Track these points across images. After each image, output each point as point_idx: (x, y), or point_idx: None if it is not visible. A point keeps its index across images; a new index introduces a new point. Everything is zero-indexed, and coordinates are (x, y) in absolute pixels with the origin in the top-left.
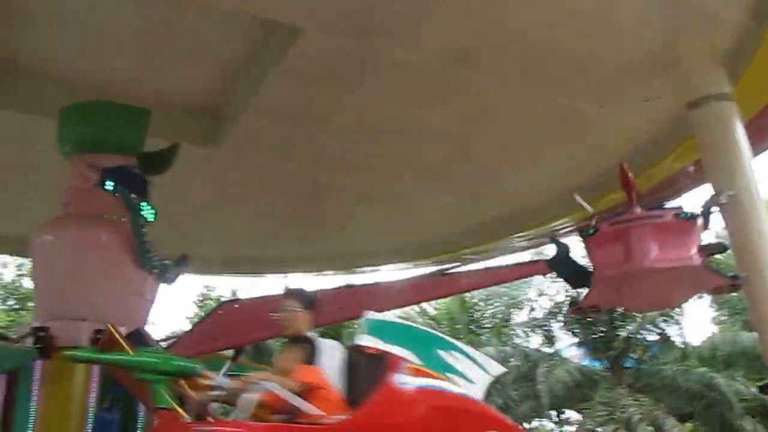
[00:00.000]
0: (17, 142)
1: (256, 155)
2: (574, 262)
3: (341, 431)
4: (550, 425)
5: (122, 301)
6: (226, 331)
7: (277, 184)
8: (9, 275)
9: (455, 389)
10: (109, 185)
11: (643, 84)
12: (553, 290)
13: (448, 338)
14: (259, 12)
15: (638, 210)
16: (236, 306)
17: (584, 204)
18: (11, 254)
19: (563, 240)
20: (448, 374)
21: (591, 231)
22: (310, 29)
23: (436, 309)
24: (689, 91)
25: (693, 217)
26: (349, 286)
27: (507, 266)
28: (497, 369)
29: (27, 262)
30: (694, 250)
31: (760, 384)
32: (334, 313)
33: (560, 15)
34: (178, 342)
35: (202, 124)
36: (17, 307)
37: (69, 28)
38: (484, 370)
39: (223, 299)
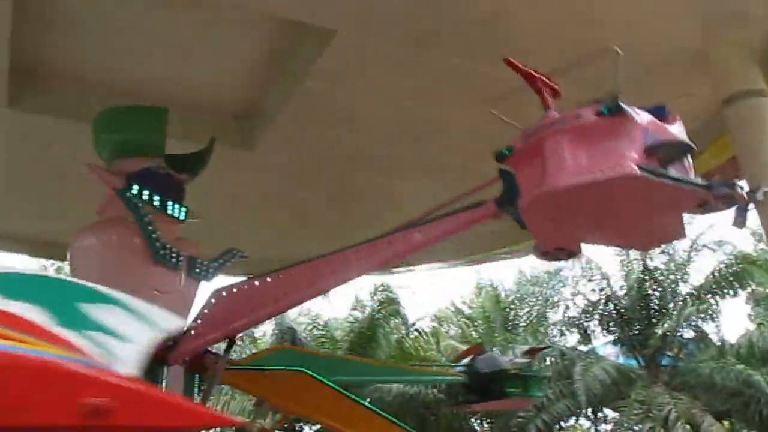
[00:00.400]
0: (55, 147)
1: (290, 156)
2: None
3: None
4: (587, 423)
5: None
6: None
7: (310, 184)
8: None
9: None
10: (134, 189)
11: (678, 81)
12: (588, 289)
13: (98, 288)
14: (292, 15)
15: (552, 114)
16: (225, 293)
17: (505, 119)
18: (53, 259)
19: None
20: (90, 332)
21: (505, 151)
22: (342, 31)
23: (471, 308)
24: (724, 88)
25: (619, 110)
26: (302, 262)
27: (455, 212)
28: (170, 323)
29: (65, 266)
30: (630, 154)
31: None
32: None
33: (596, 13)
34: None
35: (238, 127)
36: None
37: (105, 34)
38: (151, 324)
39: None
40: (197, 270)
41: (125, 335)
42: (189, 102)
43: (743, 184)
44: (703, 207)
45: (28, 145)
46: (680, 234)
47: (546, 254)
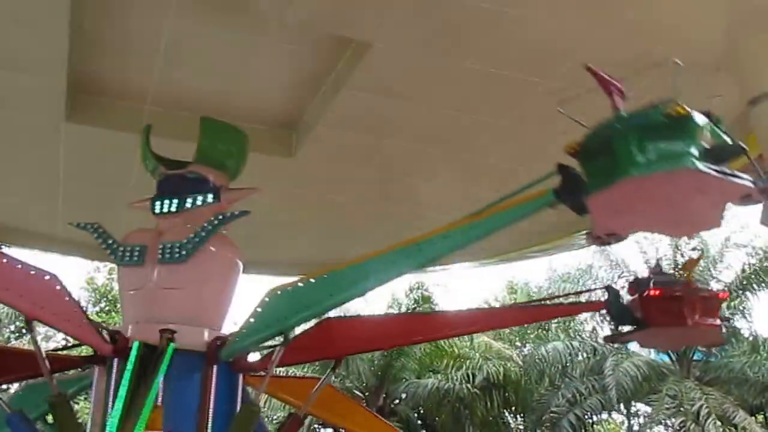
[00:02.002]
0: (109, 159)
1: (330, 164)
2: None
3: None
4: (620, 418)
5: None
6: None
7: (349, 189)
8: (101, 279)
9: None
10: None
11: (704, 81)
12: (619, 285)
13: None
14: (331, 29)
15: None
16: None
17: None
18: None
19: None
20: None
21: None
22: (379, 44)
23: (503, 305)
24: (749, 88)
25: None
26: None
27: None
28: None
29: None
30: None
31: None
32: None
33: (623, 18)
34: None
35: (279, 136)
36: (108, 309)
37: (152, 48)
38: None
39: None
40: (167, 255)
41: None
42: (232, 113)
43: None
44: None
45: (83, 157)
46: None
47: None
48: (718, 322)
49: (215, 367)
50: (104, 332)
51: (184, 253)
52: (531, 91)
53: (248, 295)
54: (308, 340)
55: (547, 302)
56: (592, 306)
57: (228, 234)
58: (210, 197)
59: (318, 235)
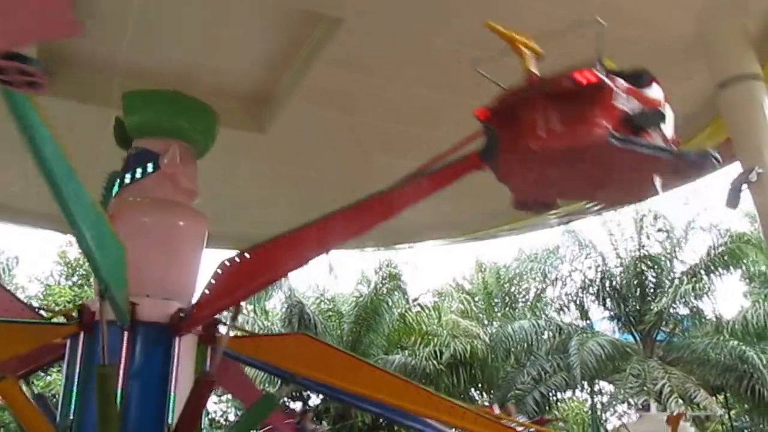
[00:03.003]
0: (78, 131)
1: (302, 139)
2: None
3: None
4: (584, 396)
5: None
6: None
7: (321, 166)
8: (73, 253)
9: None
10: (150, 167)
11: (675, 63)
12: (586, 266)
13: None
14: (302, 4)
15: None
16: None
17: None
18: None
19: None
20: None
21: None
22: (350, 19)
23: (472, 284)
24: (719, 72)
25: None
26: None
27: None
28: None
29: None
30: (603, 122)
31: None
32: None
33: (589, 2)
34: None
35: (251, 110)
36: (81, 283)
37: (123, 20)
38: None
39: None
40: None
41: None
42: (203, 86)
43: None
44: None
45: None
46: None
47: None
48: (603, 123)
49: (178, 338)
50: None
51: None
52: (502, 71)
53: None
54: None
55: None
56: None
57: (198, 208)
58: (150, 167)
59: (289, 211)
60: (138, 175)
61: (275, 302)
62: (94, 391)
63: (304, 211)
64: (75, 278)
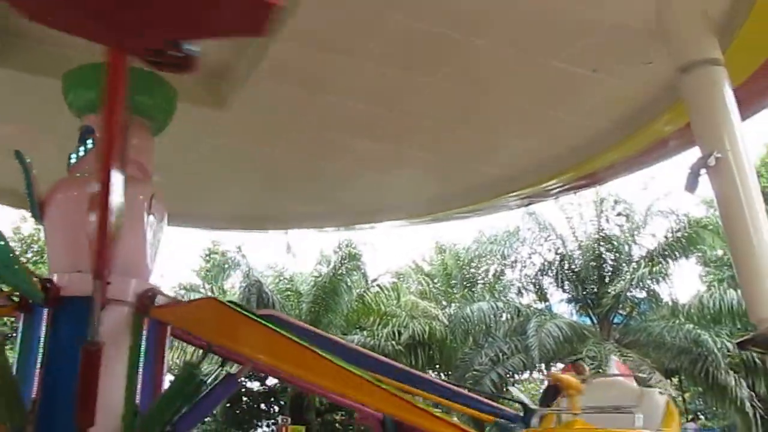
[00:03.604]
0: (36, 104)
1: (262, 117)
2: None
3: None
4: (541, 377)
5: (144, 254)
6: None
7: (283, 144)
8: (27, 229)
9: None
10: (89, 143)
11: (637, 48)
12: (545, 249)
13: None
14: None
15: None
16: None
17: None
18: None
19: None
20: None
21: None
22: None
23: (431, 265)
24: (680, 56)
25: None
26: None
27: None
28: None
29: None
30: None
31: (738, 340)
32: None
33: None
34: None
35: (211, 86)
36: (35, 259)
37: None
38: None
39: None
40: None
41: None
42: None
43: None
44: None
45: (10, 102)
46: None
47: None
48: None
49: (144, 317)
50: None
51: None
52: (466, 50)
53: (185, 247)
54: None
55: None
56: None
57: (157, 186)
58: (90, 143)
59: (250, 189)
60: (81, 152)
61: (234, 281)
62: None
63: (264, 189)
64: (29, 254)
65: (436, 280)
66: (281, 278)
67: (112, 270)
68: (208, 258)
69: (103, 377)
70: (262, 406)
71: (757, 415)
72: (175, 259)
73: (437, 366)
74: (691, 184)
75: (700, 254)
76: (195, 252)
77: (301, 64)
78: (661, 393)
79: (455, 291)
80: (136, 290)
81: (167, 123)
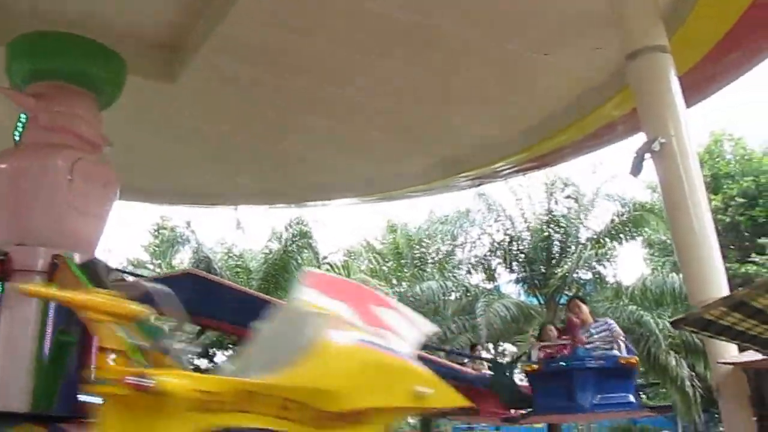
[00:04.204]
0: None
1: (213, 91)
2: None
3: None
4: (488, 356)
5: (73, 225)
6: None
7: (233, 119)
8: None
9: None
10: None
11: (587, 33)
12: (495, 229)
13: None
14: None
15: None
16: None
17: None
18: None
19: None
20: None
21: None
22: None
23: (382, 244)
24: (628, 43)
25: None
26: None
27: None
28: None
29: None
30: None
31: (671, 320)
32: None
33: None
34: None
35: (161, 58)
36: None
37: None
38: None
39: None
40: None
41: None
42: (113, 32)
43: None
44: None
45: None
46: None
47: None
48: None
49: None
50: None
51: None
52: (420, 32)
53: (132, 222)
54: None
55: None
56: None
57: (105, 159)
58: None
59: (200, 164)
60: (20, 125)
61: (182, 257)
62: None
63: (214, 165)
64: None
65: (387, 259)
66: (231, 255)
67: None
68: (156, 233)
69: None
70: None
71: (697, 394)
72: (124, 234)
73: None
74: (636, 168)
75: (644, 237)
76: (144, 227)
77: (253, 40)
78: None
79: (405, 270)
80: (46, 259)
81: (117, 95)
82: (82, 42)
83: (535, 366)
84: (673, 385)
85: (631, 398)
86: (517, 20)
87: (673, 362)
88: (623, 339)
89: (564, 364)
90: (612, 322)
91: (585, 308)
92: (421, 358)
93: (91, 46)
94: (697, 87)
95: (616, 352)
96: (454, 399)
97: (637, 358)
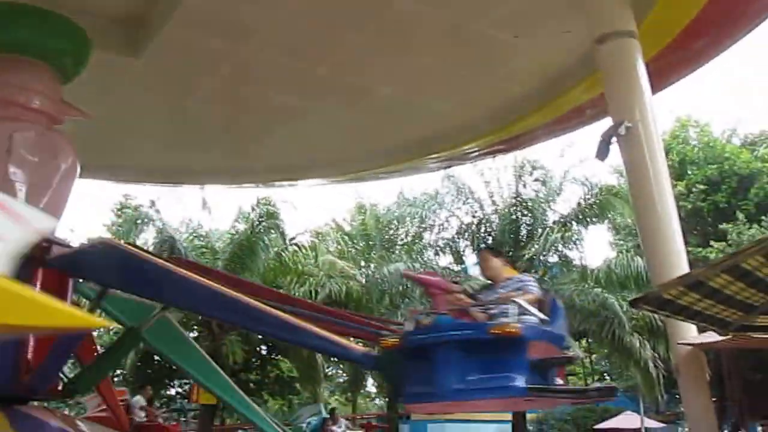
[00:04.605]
0: None
1: (179, 66)
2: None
3: None
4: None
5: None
6: None
7: (199, 96)
8: None
9: None
10: None
11: (557, 16)
12: (463, 212)
13: None
14: None
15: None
16: None
17: None
18: None
19: None
20: None
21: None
22: None
23: (351, 225)
24: (597, 27)
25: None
26: None
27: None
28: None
29: None
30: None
31: (630, 299)
32: None
33: None
34: None
35: (125, 32)
36: None
37: None
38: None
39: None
40: None
41: None
42: (78, 4)
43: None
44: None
45: None
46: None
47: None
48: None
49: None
50: None
51: None
52: (391, 9)
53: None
54: None
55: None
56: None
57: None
58: None
59: (164, 142)
60: None
61: (146, 237)
62: None
63: (180, 142)
64: None
65: (355, 241)
66: (196, 235)
67: None
68: (119, 213)
69: None
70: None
71: (660, 376)
72: (86, 213)
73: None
74: (602, 152)
75: (610, 221)
76: (107, 206)
77: (220, 15)
78: None
79: (374, 251)
80: None
81: (80, 69)
82: (38, 13)
83: (394, 341)
84: (636, 367)
85: (516, 380)
86: (487, 1)
87: (637, 344)
88: (553, 304)
89: (422, 337)
90: (529, 279)
91: (497, 262)
92: (290, 326)
93: (47, 17)
94: (663, 73)
95: (506, 320)
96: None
97: (519, 327)
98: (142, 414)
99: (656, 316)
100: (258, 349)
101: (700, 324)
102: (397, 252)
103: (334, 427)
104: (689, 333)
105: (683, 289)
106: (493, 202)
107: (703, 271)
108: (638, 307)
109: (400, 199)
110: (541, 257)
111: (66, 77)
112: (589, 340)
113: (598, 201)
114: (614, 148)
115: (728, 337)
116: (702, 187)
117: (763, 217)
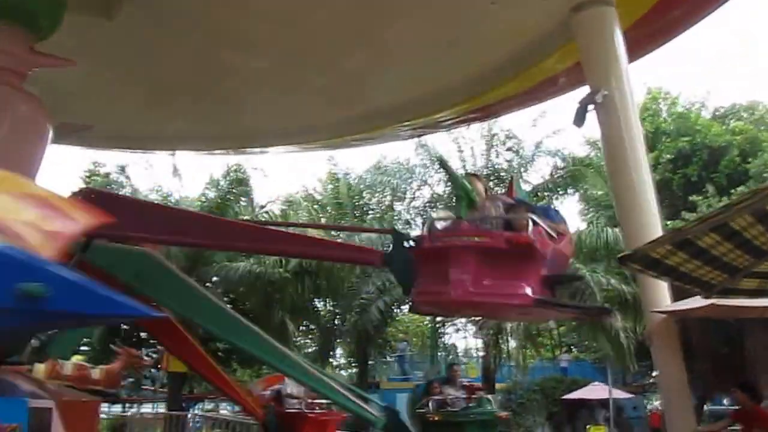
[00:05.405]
0: None
1: (151, 29)
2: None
3: None
4: None
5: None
6: None
7: (171, 60)
8: None
9: None
10: None
11: None
12: (435, 180)
13: None
14: None
15: (465, 225)
16: None
17: None
18: None
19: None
20: None
21: (411, 242)
22: None
23: (322, 195)
24: None
25: (529, 249)
26: None
27: (341, 245)
28: None
29: None
30: (525, 286)
31: (619, 256)
32: None
33: None
34: None
35: None
36: None
37: None
38: None
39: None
40: None
41: None
42: None
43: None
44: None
45: None
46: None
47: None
48: (523, 288)
49: None
50: None
51: None
52: None
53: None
54: None
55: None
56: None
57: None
58: None
59: (136, 107)
60: None
61: None
62: None
63: (151, 107)
64: None
65: (326, 209)
66: (167, 202)
67: None
68: (89, 179)
69: None
70: (143, 334)
71: (631, 347)
72: (54, 180)
73: (325, 295)
74: (579, 118)
75: (581, 193)
76: (75, 173)
77: None
78: None
79: (346, 220)
80: None
81: (51, 30)
82: None
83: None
84: (607, 338)
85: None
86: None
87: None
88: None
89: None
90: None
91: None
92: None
93: None
94: (639, 42)
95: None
96: None
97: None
98: (293, 402)
99: (626, 288)
100: None
101: (686, 285)
102: (368, 220)
103: (451, 390)
104: (664, 302)
105: (671, 248)
106: (466, 171)
107: (693, 227)
108: (626, 265)
109: (374, 168)
110: None
111: (39, 35)
112: None
113: (569, 172)
114: (589, 117)
115: (710, 302)
116: (669, 157)
117: (732, 190)
